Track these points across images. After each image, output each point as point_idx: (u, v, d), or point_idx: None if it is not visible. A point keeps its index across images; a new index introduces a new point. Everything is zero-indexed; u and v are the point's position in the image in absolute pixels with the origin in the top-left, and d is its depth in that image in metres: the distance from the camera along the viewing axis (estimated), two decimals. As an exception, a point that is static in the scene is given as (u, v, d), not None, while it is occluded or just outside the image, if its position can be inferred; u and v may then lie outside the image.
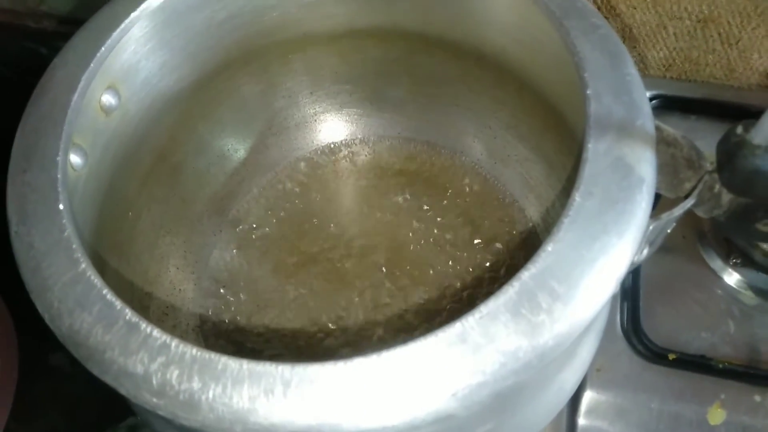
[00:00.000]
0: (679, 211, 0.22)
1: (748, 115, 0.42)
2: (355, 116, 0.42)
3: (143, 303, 0.33)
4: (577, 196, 0.21)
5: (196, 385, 0.19)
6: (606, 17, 0.43)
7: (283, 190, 0.41)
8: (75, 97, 0.26)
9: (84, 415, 0.41)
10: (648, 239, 0.23)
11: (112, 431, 0.39)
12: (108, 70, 0.28)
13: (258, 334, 0.36)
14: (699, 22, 0.42)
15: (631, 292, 0.37)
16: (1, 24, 0.50)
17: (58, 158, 0.24)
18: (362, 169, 0.42)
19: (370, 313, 0.36)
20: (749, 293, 0.37)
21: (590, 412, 0.34)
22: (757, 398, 0.33)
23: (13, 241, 0.23)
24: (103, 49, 0.27)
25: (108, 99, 0.29)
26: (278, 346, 0.36)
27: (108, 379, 0.20)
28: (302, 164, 0.42)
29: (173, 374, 0.19)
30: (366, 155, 0.42)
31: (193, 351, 0.19)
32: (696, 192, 0.23)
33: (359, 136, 0.43)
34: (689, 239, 0.39)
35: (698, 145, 0.42)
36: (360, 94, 0.41)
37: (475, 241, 0.38)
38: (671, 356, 0.35)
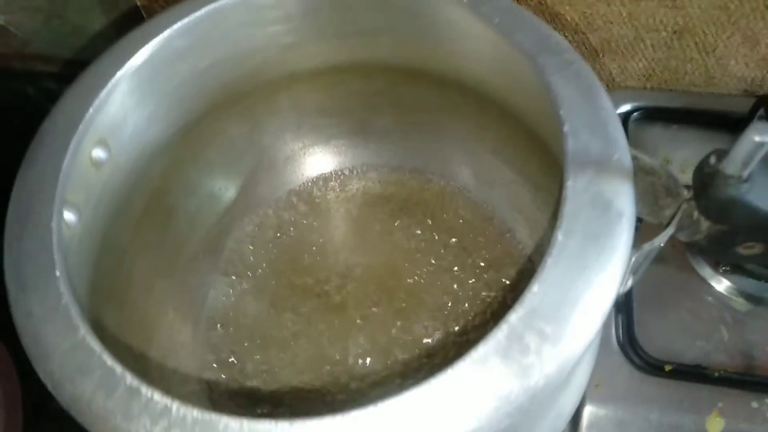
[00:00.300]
0: (660, 240, 0.23)
1: (729, 121, 0.43)
2: (343, 147, 0.43)
3: (142, 350, 0.33)
4: (559, 235, 0.21)
5: (198, 446, 0.19)
6: (584, 32, 0.44)
7: (276, 225, 0.42)
8: (66, 158, 0.27)
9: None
10: (632, 269, 0.23)
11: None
12: (97, 128, 0.29)
13: (260, 372, 0.37)
14: (675, 33, 0.43)
15: (625, 304, 0.37)
16: (-13, 65, 0.50)
17: (53, 224, 0.24)
18: (353, 199, 0.42)
19: (368, 349, 0.37)
20: (740, 300, 0.37)
21: (591, 426, 0.35)
22: (755, 404, 0.34)
23: (12, 309, 0.23)
24: (91, 109, 0.28)
25: (98, 153, 0.30)
26: (279, 384, 0.36)
27: (112, 445, 0.20)
28: (293, 198, 0.43)
29: (176, 437, 0.19)
30: (355, 185, 0.43)
31: (194, 413, 0.20)
32: (675, 220, 0.23)
33: (348, 167, 0.43)
34: (678, 248, 0.39)
35: (681, 153, 0.43)
36: (346, 126, 0.42)
37: (469, 265, 0.39)
38: (667, 367, 0.35)
